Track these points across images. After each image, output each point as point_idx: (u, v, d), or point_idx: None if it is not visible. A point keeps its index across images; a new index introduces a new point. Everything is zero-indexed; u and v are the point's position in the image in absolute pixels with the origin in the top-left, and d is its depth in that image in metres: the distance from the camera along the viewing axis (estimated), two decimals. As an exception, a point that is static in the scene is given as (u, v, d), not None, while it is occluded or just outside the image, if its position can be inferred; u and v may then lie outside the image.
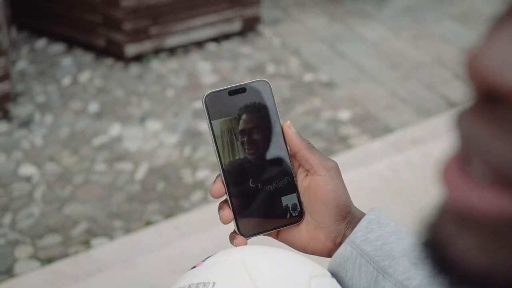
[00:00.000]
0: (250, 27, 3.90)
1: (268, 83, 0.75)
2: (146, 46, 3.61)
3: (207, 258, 0.70)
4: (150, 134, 3.11)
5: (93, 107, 3.30)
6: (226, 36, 3.86)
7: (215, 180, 0.74)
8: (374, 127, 3.15)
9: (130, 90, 3.43)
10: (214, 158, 2.98)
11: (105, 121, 3.20)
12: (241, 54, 3.75)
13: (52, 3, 3.73)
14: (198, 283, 0.64)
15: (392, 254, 0.69)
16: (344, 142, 2.97)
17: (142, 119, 3.21)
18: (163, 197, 2.74)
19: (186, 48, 3.78)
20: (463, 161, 0.28)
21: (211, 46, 3.81)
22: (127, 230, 2.55)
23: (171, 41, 3.68)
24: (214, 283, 0.63)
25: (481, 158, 0.26)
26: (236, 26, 3.84)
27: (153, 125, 3.17)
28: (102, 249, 2.26)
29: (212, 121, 0.73)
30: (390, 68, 3.70)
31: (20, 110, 3.25)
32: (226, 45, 3.83)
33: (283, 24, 4.13)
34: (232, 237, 0.75)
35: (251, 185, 0.74)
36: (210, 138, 0.73)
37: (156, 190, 2.78)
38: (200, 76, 3.57)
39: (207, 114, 0.73)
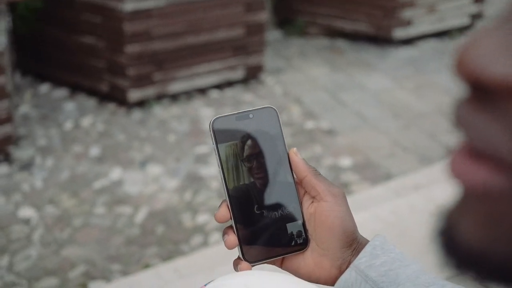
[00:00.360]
0: (253, 75, 3.93)
1: (275, 110, 0.75)
2: (149, 91, 3.64)
3: (209, 282, 0.69)
4: (151, 178, 3.10)
5: (95, 151, 3.30)
6: (229, 84, 3.90)
7: (221, 204, 0.73)
8: (375, 174, 3.14)
9: (132, 135, 3.44)
10: (215, 202, 2.96)
11: (106, 165, 3.19)
12: (243, 101, 3.77)
13: (56, 49, 3.77)
14: None
15: (397, 280, 0.68)
16: (345, 189, 2.95)
17: (143, 164, 3.21)
18: (162, 240, 2.71)
19: (189, 94, 3.80)
20: (465, 146, 0.31)
21: (214, 93, 3.84)
22: (125, 273, 2.51)
23: (174, 87, 3.71)
24: None
25: (476, 141, 0.30)
26: (239, 74, 3.88)
27: (154, 169, 3.16)
28: (99, 291, 2.22)
29: (218, 145, 0.72)
30: (392, 117, 3.71)
31: (21, 153, 3.25)
32: (229, 92, 3.85)
33: (285, 73, 4.17)
34: (236, 263, 0.73)
35: (256, 211, 0.73)
36: (216, 162, 0.73)
37: (156, 233, 2.75)
38: (203, 122, 3.58)
39: (214, 139, 0.72)
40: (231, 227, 0.73)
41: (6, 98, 3.07)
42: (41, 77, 3.88)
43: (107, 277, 2.51)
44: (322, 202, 0.71)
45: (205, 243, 2.69)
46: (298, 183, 0.74)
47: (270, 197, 0.73)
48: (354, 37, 4.60)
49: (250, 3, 3.79)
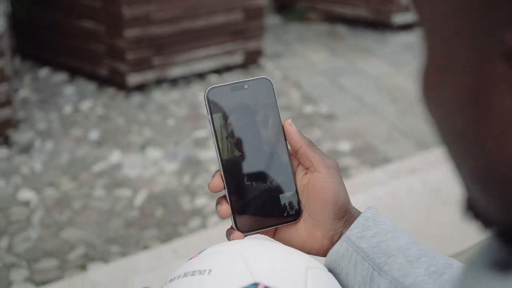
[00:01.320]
0: (252, 60, 3.94)
1: (270, 81, 0.75)
2: (148, 76, 3.64)
3: (203, 250, 0.70)
4: (150, 162, 3.11)
5: (94, 134, 3.31)
6: (228, 68, 3.90)
7: (214, 174, 0.74)
8: (374, 158, 3.16)
9: (132, 119, 3.45)
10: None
11: (105, 148, 3.20)
12: (242, 86, 3.78)
13: (56, 33, 3.78)
14: (194, 271, 0.64)
15: (388, 251, 0.68)
16: (344, 173, 2.96)
17: (143, 147, 3.22)
18: (161, 223, 2.73)
19: (188, 79, 3.81)
20: None
21: (213, 78, 3.84)
22: (124, 255, 2.52)
23: (174, 72, 3.72)
24: (210, 270, 0.63)
25: None
26: (238, 58, 3.88)
27: (153, 153, 3.18)
28: (98, 271, 2.24)
29: (213, 115, 0.72)
30: (390, 102, 3.72)
31: (20, 136, 3.26)
32: (228, 77, 3.86)
33: (284, 58, 4.17)
34: (229, 232, 0.74)
35: (250, 182, 0.73)
36: (210, 133, 0.73)
37: (155, 216, 2.77)
38: (202, 107, 3.59)
39: (208, 109, 0.72)
40: (224, 197, 0.74)
41: (5, 81, 3.08)
42: (40, 62, 3.89)
43: (106, 258, 2.53)
44: (316, 173, 0.72)
45: (203, 226, 2.71)
46: (292, 154, 0.74)
47: (263, 168, 0.74)
48: (353, 22, 4.60)
49: (249, -13, 3.79)
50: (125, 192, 2.90)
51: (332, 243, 0.72)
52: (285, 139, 0.74)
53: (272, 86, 0.74)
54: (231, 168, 0.73)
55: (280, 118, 0.74)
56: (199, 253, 0.69)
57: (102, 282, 2.09)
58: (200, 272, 0.63)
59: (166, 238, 2.63)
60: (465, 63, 0.30)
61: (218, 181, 0.73)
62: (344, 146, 3.24)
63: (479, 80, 0.30)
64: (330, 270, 0.71)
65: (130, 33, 3.50)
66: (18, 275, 2.44)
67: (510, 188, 0.30)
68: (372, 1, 4.48)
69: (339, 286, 0.68)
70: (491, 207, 0.32)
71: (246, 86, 0.74)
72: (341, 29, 4.61)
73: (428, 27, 0.32)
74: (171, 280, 0.66)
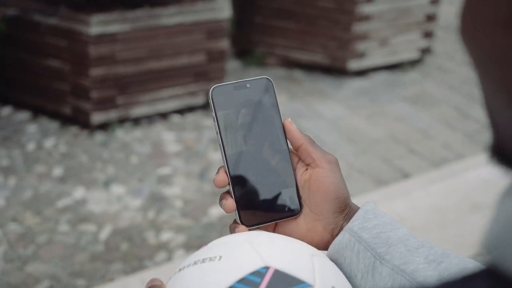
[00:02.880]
0: (213, 101, 4.02)
1: (271, 80, 0.78)
2: (112, 115, 3.69)
3: (209, 243, 0.72)
4: (114, 198, 3.14)
5: (58, 171, 3.32)
6: (190, 109, 3.98)
7: (218, 170, 0.76)
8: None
9: (95, 156, 3.48)
10: (178, 221, 3.00)
11: (69, 184, 3.22)
12: (204, 126, 3.86)
13: (19, 72, 3.80)
14: (204, 259, 0.65)
15: (388, 241, 0.71)
16: (305, 208, 3.04)
17: (106, 184, 3.24)
18: (127, 257, 2.75)
19: (150, 118, 3.87)
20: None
21: (176, 118, 3.91)
22: (91, 288, 2.53)
23: (137, 111, 3.77)
24: (221, 256, 0.65)
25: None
26: (200, 99, 3.97)
27: (117, 189, 3.20)
28: (67, 302, 2.23)
29: (217, 113, 0.75)
30: (348, 143, 3.85)
31: (-17, 172, 3.24)
32: (190, 117, 3.94)
33: (245, 100, 4.27)
34: (233, 227, 0.76)
35: (252, 177, 0.76)
36: (215, 130, 0.76)
37: (120, 250, 2.78)
38: (164, 145, 3.65)
39: (213, 106, 0.75)
40: (227, 192, 0.76)
41: (-30, 117, 3.09)
42: (3, 100, 3.89)
43: (72, 291, 2.53)
44: (318, 169, 0.74)
45: (169, 259, 2.74)
46: (292, 152, 0.77)
47: (266, 164, 0.76)
48: (310, 67, 4.75)
49: (212, 30, 3.90)
50: (89, 227, 2.92)
51: (333, 236, 0.75)
52: (285, 137, 0.77)
53: (273, 85, 0.78)
54: (235, 164, 0.76)
55: (280, 116, 0.78)
56: (206, 245, 0.71)
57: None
58: (211, 259, 0.65)
59: (132, 271, 2.65)
60: None
61: (223, 177, 0.75)
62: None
63: None
64: (333, 260, 0.73)
65: (95, 72, 3.56)
66: (-18, 309, 2.41)
67: None
68: (328, 48, 4.66)
69: (341, 273, 0.71)
70: None
71: (248, 85, 0.77)
72: (299, 74, 4.76)
73: None
74: (180, 269, 0.67)
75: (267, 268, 0.63)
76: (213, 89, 0.76)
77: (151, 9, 3.66)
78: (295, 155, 0.78)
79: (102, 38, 3.51)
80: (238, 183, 0.76)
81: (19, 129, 3.68)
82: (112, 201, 3.10)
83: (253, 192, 0.76)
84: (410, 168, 3.58)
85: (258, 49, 4.81)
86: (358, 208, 0.76)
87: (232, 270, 0.63)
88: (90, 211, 3.02)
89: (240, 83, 0.77)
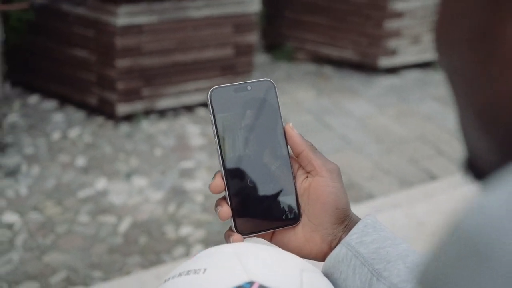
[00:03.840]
0: (239, 95, 3.99)
1: (273, 83, 0.75)
2: (137, 106, 3.68)
3: (199, 252, 0.71)
4: (136, 190, 3.13)
5: (81, 161, 3.32)
6: (216, 103, 3.95)
7: (215, 175, 0.73)
8: (358, 195, 3.20)
9: (119, 148, 3.47)
10: (198, 216, 2.97)
11: (91, 175, 3.22)
12: (229, 120, 3.83)
13: (47, 61, 3.81)
14: (189, 270, 0.64)
15: (387, 257, 0.68)
16: (328, 207, 2.99)
17: (129, 175, 3.24)
18: (145, 250, 2.74)
19: (176, 111, 3.85)
20: None
21: (201, 111, 3.89)
22: (107, 281, 2.52)
23: (162, 103, 3.76)
24: (205, 269, 0.63)
25: None
26: (226, 93, 3.94)
27: (139, 181, 3.19)
28: (81, 294, 2.23)
29: (215, 116, 0.72)
30: (374, 141, 3.78)
31: (7, 160, 3.26)
32: (216, 111, 3.90)
33: (272, 95, 4.23)
34: (228, 234, 0.74)
35: (250, 184, 0.73)
36: (212, 133, 0.73)
37: (138, 243, 2.77)
38: (189, 138, 3.63)
39: (211, 109, 0.72)
40: (224, 198, 0.73)
41: (-5, 104, 3.10)
42: (31, 88, 3.92)
43: (88, 283, 2.52)
44: (317, 177, 0.71)
45: (187, 255, 2.72)
46: (293, 158, 0.74)
47: (264, 170, 0.73)
48: (340, 64, 4.69)
49: (240, 24, 3.86)
50: (109, 219, 2.91)
51: (331, 248, 0.72)
52: (286, 142, 0.74)
53: (275, 89, 0.75)
54: (232, 169, 0.72)
55: (282, 121, 0.74)
56: (194, 255, 0.69)
57: (85, 304, 2.09)
58: (195, 272, 0.63)
59: (149, 265, 2.63)
60: (476, 3, 0.33)
61: (219, 182, 0.72)
62: (328, 182, 3.28)
63: (488, 14, 0.31)
64: (329, 275, 0.71)
65: (121, 63, 3.55)
66: (-1, 297, 2.42)
67: (511, 126, 0.32)
68: (359, 44, 4.59)
69: None
70: (490, 151, 0.34)
71: (249, 88, 0.73)
72: (328, 70, 4.69)
73: None
74: (165, 280, 0.66)
75: (251, 283, 0.61)
76: (212, 90, 0.73)
77: (179, 1, 3.63)
78: (296, 161, 0.74)
79: (129, 29, 3.50)
80: (235, 189, 0.73)
81: (45, 118, 3.69)
82: (133, 193, 3.10)
83: (250, 199, 0.73)
84: (437, 169, 3.50)
85: (288, 44, 4.75)
86: (359, 220, 0.72)
87: (214, 284, 0.61)
88: (111, 202, 3.02)
89: (240, 85, 0.74)
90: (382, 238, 0.69)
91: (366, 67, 4.62)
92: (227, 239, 0.74)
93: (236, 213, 0.72)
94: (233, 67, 3.92)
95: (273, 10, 4.71)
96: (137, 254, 2.71)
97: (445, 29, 0.35)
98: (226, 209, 0.72)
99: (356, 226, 0.70)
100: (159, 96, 3.73)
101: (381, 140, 3.81)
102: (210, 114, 0.72)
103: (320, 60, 4.73)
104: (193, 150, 3.51)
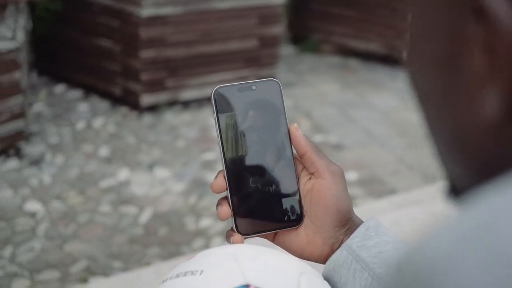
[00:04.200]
0: (264, 87, 3.97)
1: (278, 83, 0.74)
2: (161, 97, 3.69)
3: (199, 252, 0.70)
4: (158, 181, 3.14)
5: (104, 151, 3.35)
6: (240, 94, 3.94)
7: (217, 175, 0.72)
8: (380, 189, 3.17)
9: (142, 138, 3.49)
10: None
11: (114, 165, 3.24)
12: (253, 112, 3.82)
13: (73, 50, 3.84)
14: (186, 272, 0.63)
15: (388, 262, 0.68)
16: (349, 202, 2.98)
17: (151, 166, 3.25)
18: (164, 242, 2.75)
19: (200, 102, 3.85)
20: None
21: (225, 103, 3.89)
22: (126, 271, 2.54)
23: (186, 94, 3.76)
24: (202, 271, 0.62)
25: None
26: (250, 85, 3.92)
27: (161, 172, 3.21)
28: (98, 285, 2.25)
29: (219, 115, 0.71)
30: (398, 135, 3.74)
31: (32, 149, 3.30)
32: (239, 102, 3.90)
33: (297, 87, 4.21)
34: (229, 234, 0.73)
35: (252, 184, 0.72)
36: (215, 132, 0.72)
37: (158, 234, 2.78)
38: (212, 130, 3.63)
39: (215, 108, 0.71)
40: (225, 198, 0.72)
41: (20, 94, 3.13)
42: (57, 78, 3.95)
43: (107, 273, 2.54)
44: (320, 180, 0.71)
45: (207, 247, 2.72)
46: (297, 159, 0.73)
47: (267, 171, 0.73)
48: (366, 56, 4.64)
49: (265, 16, 3.84)
50: (130, 209, 2.93)
51: (332, 251, 0.71)
52: (291, 143, 0.73)
53: (280, 88, 0.74)
54: (234, 169, 0.72)
55: (286, 121, 0.73)
56: (193, 256, 0.68)
57: (102, 295, 2.10)
58: (192, 273, 0.63)
59: (168, 256, 2.64)
60: (441, 26, 0.32)
61: (221, 182, 0.72)
62: (351, 176, 3.26)
63: (452, 40, 0.31)
64: (329, 278, 0.70)
65: (146, 54, 3.56)
66: (20, 285, 2.45)
67: (478, 152, 0.31)
68: (386, 37, 4.53)
69: None
70: (466, 177, 0.33)
71: (254, 87, 0.73)
72: (354, 62, 4.65)
73: None
74: (163, 281, 0.65)
75: (247, 286, 0.60)
76: (215, 90, 0.72)
77: (204, -8, 3.63)
78: (300, 162, 0.73)
79: (154, 20, 3.50)
80: (237, 189, 0.72)
81: (70, 107, 3.73)
82: (155, 184, 3.11)
83: (252, 200, 0.72)
84: (463, 165, 3.45)
85: (314, 36, 4.72)
86: (362, 223, 0.71)
87: (210, 287, 0.61)
88: (132, 193, 3.03)
89: (245, 84, 0.73)
90: (384, 242, 0.68)
91: (392, 60, 4.57)
92: (227, 239, 0.73)
93: (237, 213, 0.72)
94: (257, 59, 3.90)
95: (299, 1, 4.68)
96: (157, 245, 2.72)
97: (414, 52, 0.34)
98: (226, 209, 0.72)
99: (357, 230, 0.69)
100: (183, 87, 3.73)
101: (405, 134, 3.76)
102: (213, 113, 0.72)
103: (346, 52, 4.69)
104: (215, 142, 3.51)
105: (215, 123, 0.72)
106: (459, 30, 0.30)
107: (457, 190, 0.36)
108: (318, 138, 3.58)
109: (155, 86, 3.65)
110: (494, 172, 0.32)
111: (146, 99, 3.65)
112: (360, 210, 2.59)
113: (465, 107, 0.31)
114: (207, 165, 3.29)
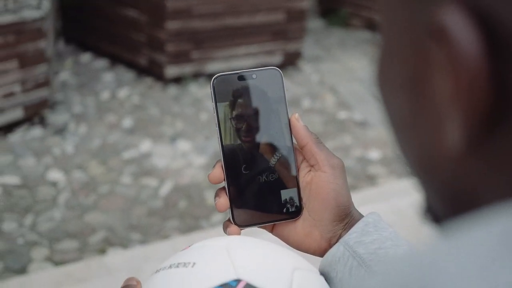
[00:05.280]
0: (290, 61, 3.93)
1: (279, 72, 0.71)
2: (186, 69, 3.67)
3: (194, 243, 0.69)
4: (179, 154, 3.14)
5: (127, 122, 3.35)
6: (266, 68, 3.91)
7: (215, 165, 0.70)
8: (402, 169, 3.12)
9: (166, 110, 3.48)
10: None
11: (136, 136, 3.24)
12: (278, 87, 3.78)
13: (100, 20, 3.83)
14: (179, 263, 0.62)
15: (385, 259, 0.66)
16: (371, 181, 2.94)
17: (173, 138, 3.25)
18: (184, 215, 2.75)
19: (225, 75, 3.83)
20: None
21: (250, 76, 3.86)
22: (144, 243, 2.55)
23: (211, 67, 3.74)
24: (194, 263, 0.61)
25: None
26: (277, 59, 3.88)
27: (183, 145, 3.20)
28: (116, 256, 2.26)
29: (217, 104, 0.69)
30: (426, 114, 3.68)
31: (56, 117, 3.32)
32: (265, 76, 3.87)
33: (323, 62, 4.15)
34: (225, 225, 0.71)
35: (250, 175, 0.70)
36: (214, 121, 0.70)
37: (178, 207, 2.79)
38: (236, 103, 3.61)
39: (214, 96, 0.69)
40: (223, 188, 0.70)
41: (45, 62, 3.14)
42: (83, 46, 3.95)
43: (126, 245, 2.56)
44: (320, 173, 0.69)
45: (225, 221, 2.72)
46: (297, 150, 0.71)
47: (266, 162, 0.71)
48: (397, 32, 4.56)
49: (294, -11, 3.79)
50: (151, 181, 2.93)
51: (330, 245, 0.69)
52: (291, 134, 0.71)
53: (282, 78, 0.71)
54: (233, 160, 0.70)
55: (287, 111, 0.71)
56: (189, 246, 0.67)
57: (118, 268, 2.12)
58: (184, 265, 0.62)
59: (187, 230, 2.65)
60: (405, 47, 0.30)
61: (218, 172, 0.70)
62: (374, 154, 3.22)
63: (416, 63, 0.29)
64: (324, 274, 0.68)
65: (171, 25, 3.53)
66: (39, 254, 2.48)
67: (444, 179, 0.30)
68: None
69: None
70: (436, 200, 0.32)
71: (254, 76, 0.71)
72: (384, 37, 4.58)
73: (381, 15, 0.33)
74: (157, 271, 0.65)
75: (238, 281, 0.59)
76: (215, 78, 0.70)
77: (232, -37, 3.58)
78: (300, 153, 0.71)
79: (180, -9, 3.47)
80: (235, 179, 0.70)
81: (95, 77, 3.73)
82: (176, 157, 3.11)
83: (250, 191, 0.71)
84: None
85: (343, 9, 4.64)
86: (361, 217, 0.69)
87: (201, 280, 0.60)
88: (154, 165, 3.04)
89: (246, 73, 0.71)
90: (383, 238, 0.67)
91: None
92: (224, 230, 0.72)
93: (234, 204, 0.70)
94: (284, 32, 3.85)
95: (330, -26, 4.60)
96: (176, 218, 2.73)
97: (383, 73, 0.33)
98: (223, 200, 0.70)
99: (356, 225, 0.68)
100: (208, 59, 3.71)
101: (433, 113, 3.70)
102: (212, 102, 0.70)
103: (376, 27, 4.61)
104: (239, 115, 3.50)
105: (214, 112, 0.70)
106: (422, 53, 0.29)
107: (433, 211, 0.34)
108: (342, 114, 3.54)
109: (180, 57, 3.63)
110: (462, 207, 0.30)
111: (171, 71, 3.64)
112: (379, 191, 2.57)
113: (430, 134, 0.29)
114: (230, 139, 3.28)
